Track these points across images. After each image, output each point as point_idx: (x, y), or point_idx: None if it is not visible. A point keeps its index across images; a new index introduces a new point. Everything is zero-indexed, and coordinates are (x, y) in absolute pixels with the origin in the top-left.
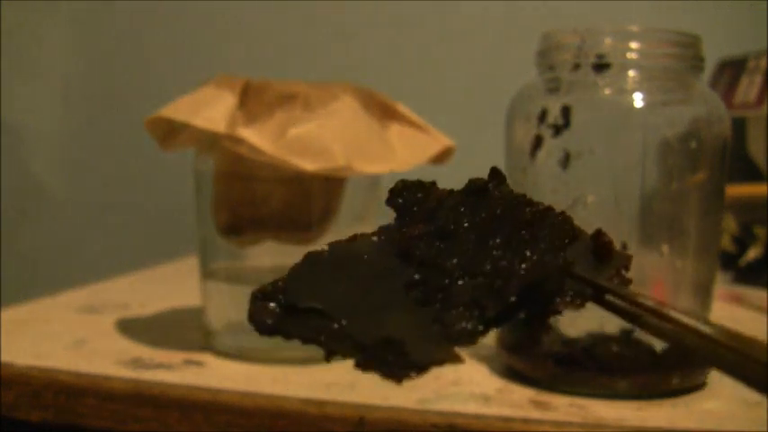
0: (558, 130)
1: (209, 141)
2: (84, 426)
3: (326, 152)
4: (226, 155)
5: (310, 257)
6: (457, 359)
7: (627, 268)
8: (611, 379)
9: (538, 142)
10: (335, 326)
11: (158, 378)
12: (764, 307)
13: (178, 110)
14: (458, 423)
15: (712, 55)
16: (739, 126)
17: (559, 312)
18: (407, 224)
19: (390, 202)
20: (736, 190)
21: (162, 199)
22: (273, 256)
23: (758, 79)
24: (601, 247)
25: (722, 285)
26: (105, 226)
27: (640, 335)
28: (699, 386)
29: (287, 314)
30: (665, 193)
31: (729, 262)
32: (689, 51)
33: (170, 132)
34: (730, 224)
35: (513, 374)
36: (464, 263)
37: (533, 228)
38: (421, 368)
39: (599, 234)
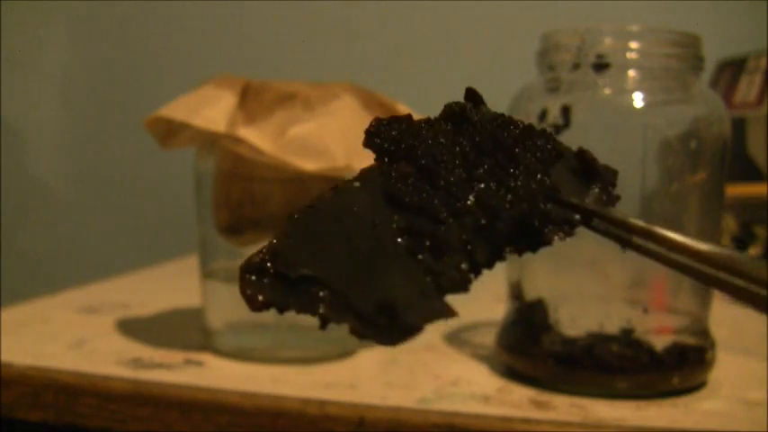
0: (558, 129)
1: (210, 141)
2: (84, 426)
3: (326, 152)
4: (226, 155)
5: (295, 219)
6: (449, 313)
7: (613, 185)
8: (611, 379)
9: None
10: (329, 293)
11: (158, 378)
12: None
13: (178, 109)
14: (458, 423)
15: (712, 55)
16: (739, 126)
17: (549, 243)
18: (389, 165)
19: (368, 143)
20: (736, 190)
21: (162, 199)
22: None
23: (758, 79)
24: (585, 165)
25: None
26: (105, 226)
27: (641, 335)
28: (699, 386)
29: (278, 285)
30: (665, 193)
31: None
32: (689, 51)
33: (170, 132)
34: (730, 224)
35: (512, 374)
36: (450, 201)
37: (516, 151)
38: (414, 329)
39: (582, 152)
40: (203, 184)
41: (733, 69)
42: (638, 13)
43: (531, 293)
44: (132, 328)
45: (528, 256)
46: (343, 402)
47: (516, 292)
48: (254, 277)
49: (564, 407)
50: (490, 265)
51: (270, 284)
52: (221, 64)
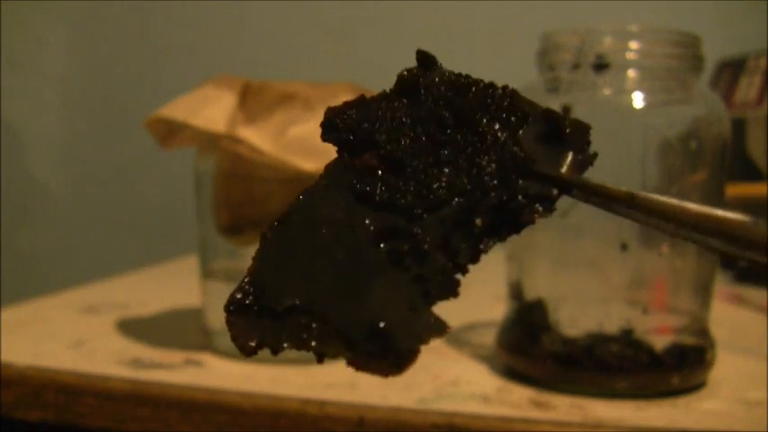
0: None
1: (210, 141)
2: (83, 425)
3: (326, 152)
4: (226, 155)
5: (268, 239)
6: (442, 329)
7: (588, 143)
8: (610, 379)
9: None
10: (318, 324)
11: (158, 378)
12: (764, 307)
13: (178, 110)
14: (457, 423)
15: (712, 55)
16: (739, 126)
17: (532, 222)
18: (352, 158)
19: (326, 136)
20: (736, 190)
21: (162, 199)
22: None
23: (758, 79)
24: (553, 126)
25: (722, 285)
26: (105, 226)
27: (640, 335)
28: (698, 386)
29: (266, 320)
30: (664, 193)
31: (729, 262)
32: (689, 51)
33: (170, 132)
34: None
35: (512, 374)
36: (422, 192)
37: (480, 121)
38: (411, 354)
39: (549, 112)
40: (203, 184)
41: (733, 69)
42: (638, 13)
43: (530, 293)
44: (132, 328)
45: (528, 256)
46: (343, 402)
47: (516, 292)
48: (239, 319)
49: (564, 407)
50: (475, 261)
51: (257, 321)
52: (221, 64)
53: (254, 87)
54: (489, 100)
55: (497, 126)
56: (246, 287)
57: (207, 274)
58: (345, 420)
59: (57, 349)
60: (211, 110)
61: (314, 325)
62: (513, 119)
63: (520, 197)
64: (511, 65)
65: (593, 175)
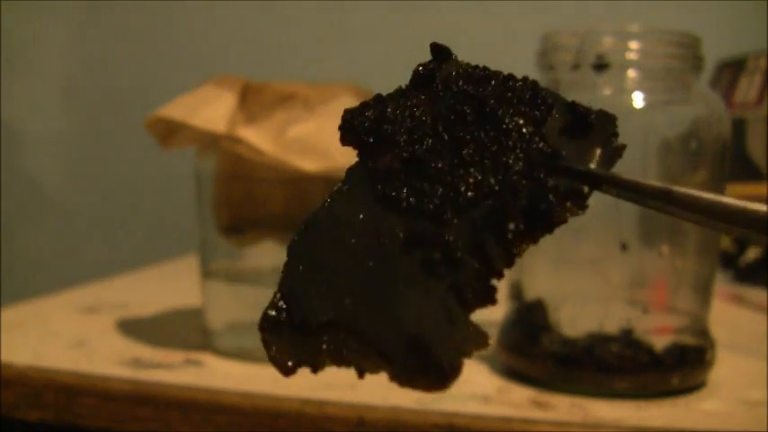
0: None
1: (210, 141)
2: (83, 426)
3: (326, 152)
4: (226, 155)
5: (295, 250)
6: (483, 341)
7: (615, 134)
8: (610, 379)
9: None
10: (355, 339)
11: (158, 378)
12: (764, 306)
13: (178, 110)
14: (457, 423)
15: (712, 55)
16: (739, 126)
17: (564, 221)
18: (374, 161)
19: (345, 140)
20: (736, 190)
21: (162, 199)
22: (273, 257)
23: (757, 79)
24: (579, 119)
25: (722, 285)
26: (105, 226)
27: (640, 335)
28: (698, 386)
29: (302, 339)
30: None
31: (729, 262)
32: (689, 51)
33: (170, 132)
34: None
35: (513, 374)
36: (448, 195)
37: (502, 118)
38: (455, 371)
39: (574, 105)
40: (203, 184)
41: (733, 69)
42: (638, 13)
43: (531, 294)
44: (132, 328)
45: (528, 256)
46: (343, 403)
47: (516, 293)
48: (275, 338)
49: (564, 407)
50: (510, 265)
51: (293, 339)
52: (221, 64)
53: (253, 87)
54: (510, 93)
55: (521, 121)
56: (279, 303)
57: (207, 274)
58: (345, 421)
59: (57, 349)
60: (211, 110)
61: (352, 340)
62: (536, 112)
63: (551, 196)
64: (511, 65)
65: None
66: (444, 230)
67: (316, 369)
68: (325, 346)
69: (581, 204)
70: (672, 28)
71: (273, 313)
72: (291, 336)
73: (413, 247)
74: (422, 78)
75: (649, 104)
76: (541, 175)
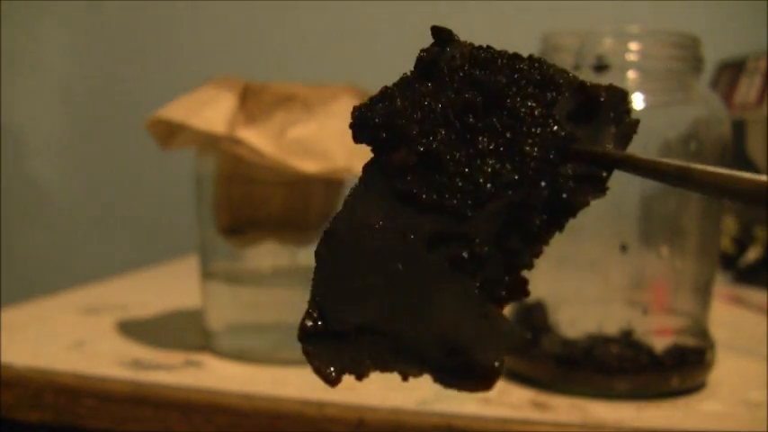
0: None
1: (210, 141)
2: (83, 426)
3: (326, 153)
4: (226, 156)
5: (322, 257)
6: (520, 339)
7: (627, 110)
8: (610, 380)
9: None
10: (391, 342)
11: (158, 379)
12: (764, 307)
13: (178, 111)
14: (457, 424)
15: (712, 56)
16: (738, 127)
17: (586, 205)
18: (387, 158)
19: (358, 138)
20: None
21: (162, 200)
22: (273, 257)
23: (757, 80)
24: (589, 99)
25: (722, 286)
26: (105, 226)
27: (640, 336)
28: (698, 387)
29: (342, 346)
30: (665, 193)
31: (729, 262)
32: (689, 52)
33: (170, 133)
34: (730, 225)
35: (512, 375)
36: (466, 187)
37: (513, 99)
38: (495, 372)
39: (584, 86)
40: (203, 185)
41: (733, 70)
42: (638, 14)
43: (530, 295)
44: (132, 329)
45: None
46: (343, 404)
47: None
48: (316, 348)
49: (564, 408)
50: (538, 256)
51: (332, 347)
52: (221, 65)
53: (253, 89)
54: (517, 75)
55: (532, 104)
56: (313, 312)
57: (207, 275)
58: (345, 422)
59: (56, 350)
60: (211, 111)
61: (391, 345)
62: (547, 94)
63: (571, 183)
64: None
65: None
66: (468, 226)
67: (360, 376)
68: (366, 353)
69: (601, 188)
70: (672, 29)
71: (310, 323)
72: (331, 344)
73: (438, 245)
74: (426, 64)
75: (649, 106)
76: (559, 162)
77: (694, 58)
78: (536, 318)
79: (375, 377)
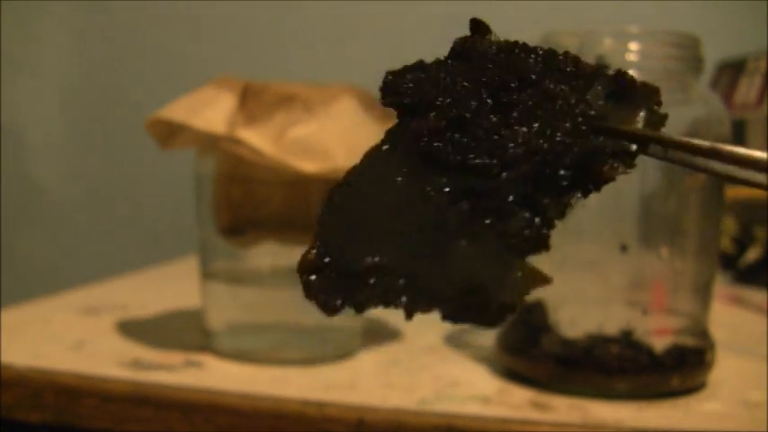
0: None
1: (210, 142)
2: (83, 427)
3: (326, 153)
4: (226, 156)
5: (334, 203)
6: (544, 279)
7: (659, 103)
8: (610, 380)
9: None
10: (402, 281)
11: (158, 379)
12: (764, 307)
13: (178, 111)
14: (457, 424)
15: (712, 56)
16: (739, 127)
17: (612, 179)
18: (416, 122)
19: (386, 101)
20: (736, 191)
21: (162, 200)
22: (273, 257)
23: (757, 80)
24: (625, 87)
25: (722, 286)
26: (105, 226)
27: (640, 336)
28: (698, 387)
29: (344, 282)
30: (665, 193)
31: (729, 263)
32: (688, 52)
33: (170, 133)
34: (730, 225)
35: (512, 375)
36: (496, 152)
37: (547, 84)
38: (511, 309)
39: (621, 74)
40: (203, 185)
41: (732, 70)
42: (638, 14)
43: (530, 294)
44: (132, 329)
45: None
46: (343, 404)
47: None
48: (314, 278)
49: (564, 408)
50: (562, 216)
51: (335, 282)
52: (221, 65)
53: (254, 89)
54: (551, 63)
55: (564, 87)
56: (320, 249)
57: (207, 275)
58: (345, 422)
59: (57, 350)
60: (211, 111)
61: (401, 282)
62: (581, 81)
63: (599, 153)
64: None
65: None
66: (492, 184)
67: (362, 309)
68: (371, 288)
69: (629, 163)
70: (671, 29)
71: (313, 257)
72: (334, 279)
73: (460, 199)
74: (461, 50)
75: None
76: (588, 134)
77: (694, 58)
78: (536, 317)
79: (375, 377)
